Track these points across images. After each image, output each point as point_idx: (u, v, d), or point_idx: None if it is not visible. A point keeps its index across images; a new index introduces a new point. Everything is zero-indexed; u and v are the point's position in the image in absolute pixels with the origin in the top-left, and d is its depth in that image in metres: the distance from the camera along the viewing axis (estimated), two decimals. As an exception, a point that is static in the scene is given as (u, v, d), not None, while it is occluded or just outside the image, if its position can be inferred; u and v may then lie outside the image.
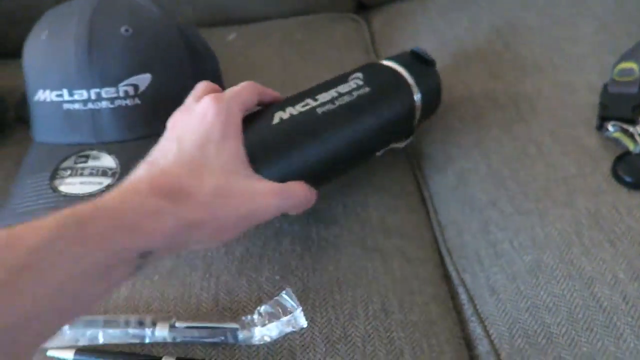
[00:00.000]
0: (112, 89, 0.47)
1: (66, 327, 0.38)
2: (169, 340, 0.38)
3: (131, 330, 0.38)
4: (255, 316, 0.38)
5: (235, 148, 0.36)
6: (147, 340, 0.38)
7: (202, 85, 0.41)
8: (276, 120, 0.42)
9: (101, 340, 0.38)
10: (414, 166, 0.58)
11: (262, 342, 0.37)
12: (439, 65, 0.52)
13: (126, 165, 0.46)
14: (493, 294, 0.44)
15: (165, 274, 0.43)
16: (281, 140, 0.41)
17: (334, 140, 0.44)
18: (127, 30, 0.47)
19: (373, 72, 0.48)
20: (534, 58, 0.62)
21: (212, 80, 0.55)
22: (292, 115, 0.42)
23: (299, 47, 0.70)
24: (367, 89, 0.46)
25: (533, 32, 0.65)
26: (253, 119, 0.42)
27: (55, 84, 0.47)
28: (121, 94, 0.47)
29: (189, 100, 0.40)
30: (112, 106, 0.47)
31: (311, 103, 0.43)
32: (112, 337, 0.38)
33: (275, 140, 0.41)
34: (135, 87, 0.47)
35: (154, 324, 0.38)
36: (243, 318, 0.38)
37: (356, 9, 0.80)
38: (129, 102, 0.47)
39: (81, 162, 0.46)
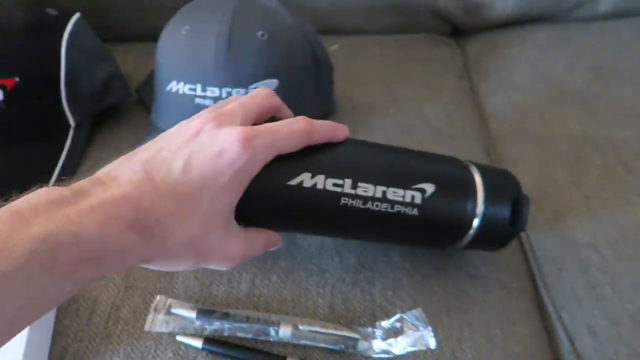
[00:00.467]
0: (242, 90, 0.49)
1: (194, 316, 0.40)
2: (290, 341, 0.39)
3: (256, 326, 0.40)
4: (377, 329, 0.40)
5: (231, 202, 0.32)
6: (270, 339, 0.39)
7: (254, 94, 0.37)
8: (295, 182, 0.36)
9: (226, 332, 0.40)
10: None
11: (382, 356, 0.39)
12: (533, 98, 0.52)
13: None
14: (593, 335, 0.45)
15: (282, 275, 0.45)
16: (282, 208, 0.37)
17: (334, 232, 0.41)
18: (262, 35, 0.49)
19: (445, 189, 0.40)
20: (634, 103, 0.63)
21: (326, 90, 0.57)
22: (314, 188, 0.36)
23: (397, 64, 0.72)
24: (415, 213, 0.38)
25: (633, 76, 0.66)
26: (279, 164, 0.35)
27: (191, 78, 0.50)
28: None
29: (220, 112, 0.34)
30: None
31: (345, 188, 0.37)
32: (237, 330, 0.40)
33: (276, 204, 0.36)
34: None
35: (278, 324, 0.40)
36: (363, 329, 0.40)
37: (450, 33, 0.81)
38: None
39: None
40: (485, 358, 0.42)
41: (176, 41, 0.51)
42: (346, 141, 0.40)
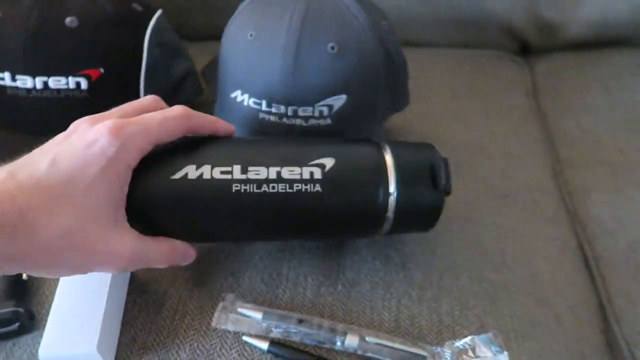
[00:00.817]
0: (309, 108, 0.46)
1: (260, 317, 0.40)
2: (357, 351, 0.39)
3: (323, 334, 0.39)
4: (446, 349, 0.39)
5: (108, 193, 0.31)
6: (336, 347, 0.39)
7: (137, 102, 0.37)
8: (179, 175, 0.34)
9: (292, 337, 0.39)
10: (575, 222, 0.57)
11: None
12: (607, 123, 0.50)
13: None
14: (668, 376, 0.43)
15: (347, 285, 0.44)
16: (172, 205, 0.35)
17: (240, 229, 0.38)
18: (332, 48, 0.45)
19: (347, 161, 0.38)
20: None
21: (399, 86, 0.55)
22: (200, 179, 0.34)
23: (464, 79, 0.70)
24: (318, 188, 0.36)
25: None
26: (160, 159, 0.34)
27: (256, 92, 0.47)
28: (316, 113, 0.47)
29: (98, 116, 0.34)
30: (305, 124, 0.47)
31: (235, 174, 0.35)
32: (303, 336, 0.39)
33: (165, 202, 0.35)
34: (330, 107, 0.47)
35: (344, 333, 0.39)
36: (431, 347, 0.39)
37: (519, 51, 0.79)
38: (321, 122, 0.47)
39: None
40: (554, 389, 0.40)
41: (242, 47, 0.48)
42: (234, 137, 0.40)
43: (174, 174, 0.35)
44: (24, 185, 0.28)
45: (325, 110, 0.47)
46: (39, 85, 0.46)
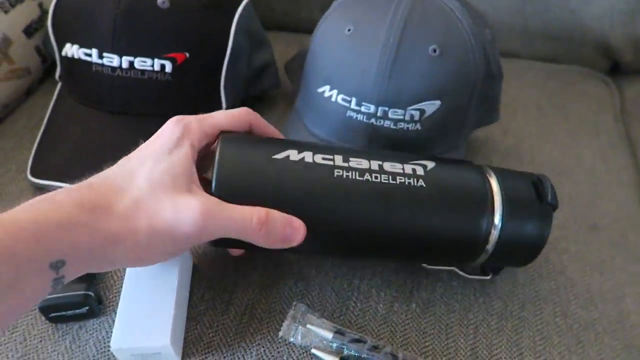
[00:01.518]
0: (400, 111, 0.44)
1: (331, 336, 0.38)
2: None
3: None
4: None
5: (175, 163, 0.32)
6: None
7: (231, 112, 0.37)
8: (282, 155, 0.34)
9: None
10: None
11: None
12: None
13: None
14: None
15: (422, 305, 0.42)
16: (272, 184, 0.33)
17: (337, 222, 0.34)
18: (434, 51, 0.43)
19: (446, 170, 0.37)
20: None
21: (492, 105, 0.52)
22: (302, 161, 0.34)
23: (551, 95, 0.66)
24: (422, 183, 0.35)
25: None
26: (262, 143, 0.35)
27: (347, 90, 0.45)
28: (407, 117, 0.44)
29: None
30: (393, 127, 0.45)
31: (336, 161, 0.34)
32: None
33: (264, 180, 0.33)
34: (422, 112, 0.45)
35: (409, 362, 0.37)
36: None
37: (609, 71, 0.74)
38: (410, 126, 0.45)
39: None
40: None
41: (337, 41, 0.46)
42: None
43: (276, 154, 0.34)
44: (101, 175, 0.32)
45: (417, 115, 0.45)
46: (124, 65, 0.46)
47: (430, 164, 0.36)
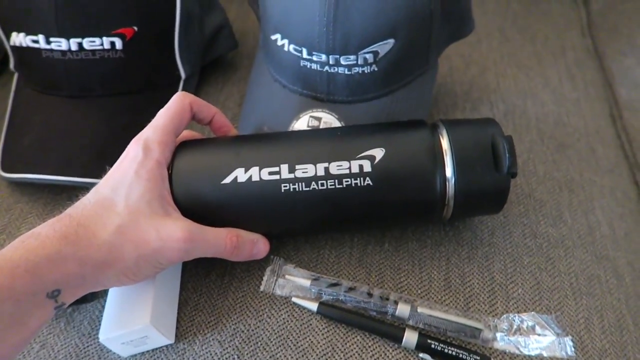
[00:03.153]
0: (352, 57, 0.44)
1: (309, 284, 0.39)
2: (408, 321, 0.38)
3: (374, 302, 0.38)
4: (503, 322, 0.37)
5: (147, 187, 0.34)
6: (388, 316, 0.38)
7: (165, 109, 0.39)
8: (229, 179, 0.36)
9: (343, 304, 0.39)
10: (635, 172, 0.54)
11: (506, 350, 0.37)
12: None
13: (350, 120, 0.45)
14: None
15: (394, 243, 0.43)
16: (225, 207, 0.36)
17: (292, 226, 0.39)
18: None
19: (394, 157, 0.36)
20: None
21: (462, 19, 0.50)
22: (249, 182, 0.35)
23: (514, 19, 0.65)
24: (369, 182, 0.35)
25: None
26: (211, 164, 0.37)
27: (296, 40, 0.45)
28: (360, 61, 0.44)
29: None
30: (348, 72, 0.45)
31: (282, 174, 0.36)
32: (354, 302, 0.39)
33: (218, 205, 0.36)
34: (376, 53, 0.44)
35: (396, 303, 0.38)
36: (487, 318, 0.38)
37: (574, -15, 0.73)
38: (366, 69, 0.45)
39: (313, 124, 0.46)
40: (615, 347, 0.39)
41: None
42: (280, 133, 0.40)
43: (224, 178, 0.36)
44: (79, 205, 0.33)
45: (370, 57, 0.44)
46: (73, 47, 0.45)
47: (379, 153, 0.36)
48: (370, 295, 0.39)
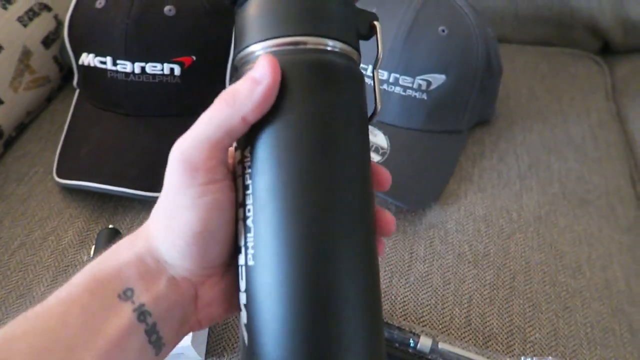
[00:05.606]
0: (409, 79, 0.51)
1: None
2: (429, 355, 0.39)
3: (397, 333, 0.40)
4: (519, 362, 0.39)
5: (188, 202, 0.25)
6: (409, 348, 0.40)
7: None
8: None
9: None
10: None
11: None
12: None
13: (396, 148, 0.51)
14: None
15: (420, 278, 0.45)
16: None
17: None
18: (443, 31, 0.51)
19: None
20: None
21: (490, 97, 0.58)
22: None
23: (542, 78, 0.69)
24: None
25: None
26: None
27: (365, 58, 0.51)
28: (415, 85, 0.51)
29: None
30: (403, 93, 0.52)
31: None
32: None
33: None
34: (429, 83, 0.51)
35: (418, 336, 0.40)
36: (504, 358, 0.40)
37: (600, 51, 0.77)
38: (417, 94, 0.52)
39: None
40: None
41: None
42: None
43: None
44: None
45: (424, 85, 0.51)
46: (137, 70, 0.49)
47: None
48: (393, 327, 0.41)
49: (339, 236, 0.23)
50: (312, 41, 0.23)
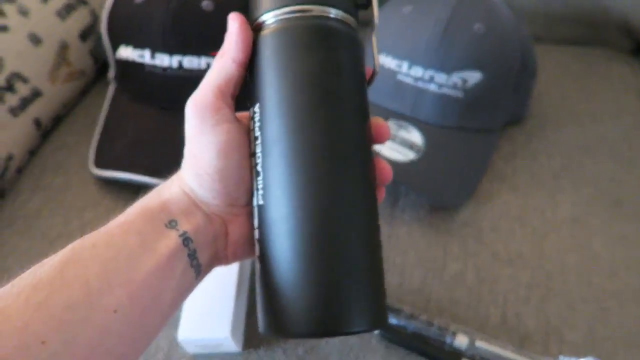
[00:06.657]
0: (444, 76, 0.51)
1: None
2: (465, 352, 0.39)
3: (433, 330, 0.40)
4: (555, 362, 0.39)
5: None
6: (445, 345, 0.40)
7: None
8: None
9: (404, 329, 0.41)
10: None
11: None
12: None
13: (431, 145, 0.51)
14: None
15: (455, 277, 0.45)
16: None
17: None
18: (479, 29, 0.51)
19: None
20: None
21: (524, 97, 0.57)
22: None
23: (575, 78, 0.68)
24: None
25: None
26: None
27: (399, 54, 0.52)
28: (450, 82, 0.51)
29: None
30: (437, 91, 0.51)
31: None
32: (414, 329, 0.40)
33: None
34: (464, 81, 0.51)
35: (454, 334, 0.40)
36: (541, 358, 0.39)
37: (633, 52, 0.75)
38: (452, 92, 0.51)
39: (395, 129, 0.52)
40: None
41: (396, 18, 0.53)
42: None
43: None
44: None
45: (460, 83, 0.51)
46: (174, 64, 0.50)
47: None
48: (430, 324, 0.41)
49: (336, 173, 0.26)
50: (317, 9, 0.27)
